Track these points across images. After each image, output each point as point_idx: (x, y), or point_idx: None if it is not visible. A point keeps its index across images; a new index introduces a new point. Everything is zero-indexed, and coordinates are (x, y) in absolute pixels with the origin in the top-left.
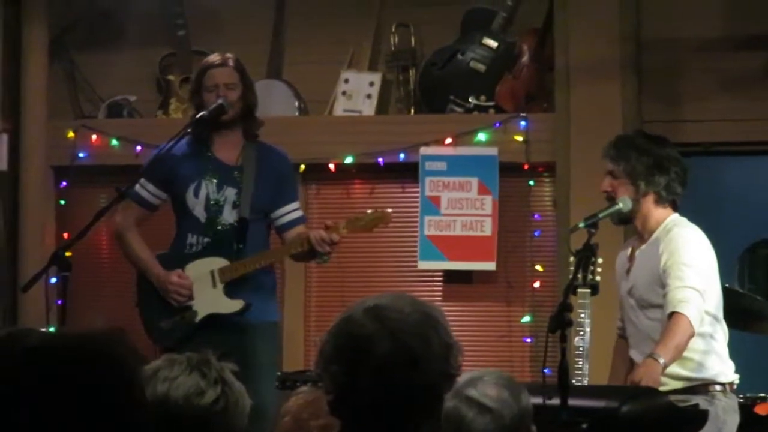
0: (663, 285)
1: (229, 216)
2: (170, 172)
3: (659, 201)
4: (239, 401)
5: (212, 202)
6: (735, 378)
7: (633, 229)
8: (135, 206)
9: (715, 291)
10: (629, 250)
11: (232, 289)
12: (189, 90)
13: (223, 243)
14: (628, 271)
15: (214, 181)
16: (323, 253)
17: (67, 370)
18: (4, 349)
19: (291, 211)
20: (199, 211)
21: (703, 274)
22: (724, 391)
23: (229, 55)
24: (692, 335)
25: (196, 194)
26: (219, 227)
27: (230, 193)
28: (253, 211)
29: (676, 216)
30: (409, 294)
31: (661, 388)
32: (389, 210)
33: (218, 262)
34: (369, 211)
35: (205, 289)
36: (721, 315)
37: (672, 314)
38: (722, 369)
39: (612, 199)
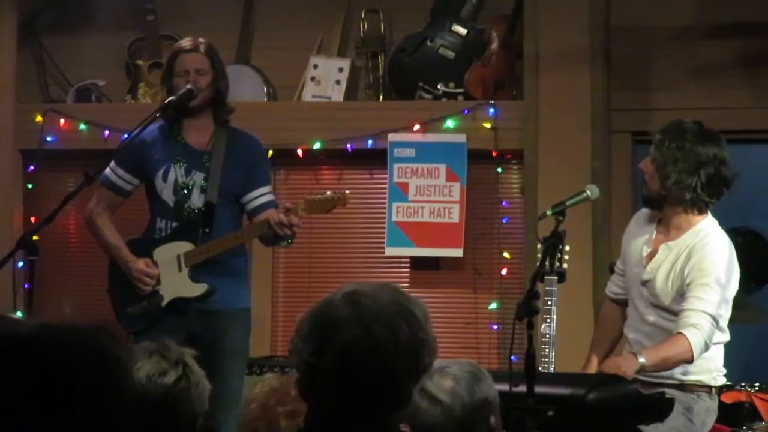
0: (684, 297)
1: (197, 200)
2: (141, 157)
3: (683, 203)
4: (200, 383)
5: (180, 186)
6: (722, 381)
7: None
8: (108, 192)
9: (729, 304)
10: (653, 231)
11: (201, 273)
12: (161, 74)
13: (191, 227)
14: (647, 258)
15: (183, 165)
16: (286, 237)
17: (56, 361)
18: None
19: (261, 195)
20: (167, 195)
21: (725, 298)
22: (709, 393)
23: (201, 40)
24: (688, 361)
25: (165, 178)
26: (186, 211)
27: (198, 177)
28: (221, 196)
29: (708, 222)
30: (396, 285)
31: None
32: (347, 191)
33: (184, 246)
34: (328, 192)
35: (172, 273)
36: (725, 324)
37: (679, 334)
38: (713, 374)
39: (644, 182)
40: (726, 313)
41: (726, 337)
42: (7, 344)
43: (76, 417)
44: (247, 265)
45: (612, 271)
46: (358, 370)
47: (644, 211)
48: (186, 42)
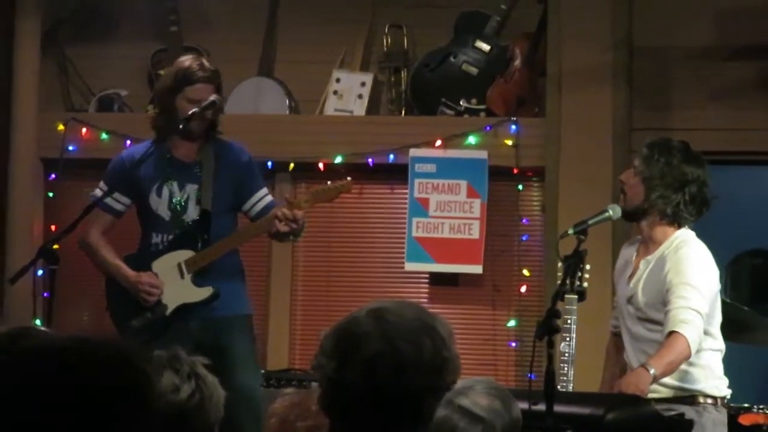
0: (666, 303)
1: (193, 212)
2: (132, 176)
3: (664, 217)
4: (213, 394)
5: (175, 201)
6: (727, 393)
7: (635, 229)
8: (101, 213)
9: (714, 310)
10: (633, 253)
11: (201, 280)
12: (160, 88)
13: (189, 236)
14: (630, 277)
15: (175, 182)
16: (293, 232)
17: (97, 376)
18: (21, 348)
19: (261, 198)
20: (163, 211)
21: (706, 296)
22: (714, 404)
23: (209, 66)
24: (688, 357)
25: (159, 194)
26: (184, 224)
27: (192, 189)
28: (215, 205)
29: (683, 231)
30: (420, 304)
31: (651, 395)
32: (349, 179)
33: (184, 254)
34: (329, 182)
35: (174, 282)
36: (716, 330)
37: (671, 333)
38: (714, 383)
39: (624, 193)
40: (716, 315)
41: (719, 344)
42: (48, 356)
43: (92, 424)
44: (243, 266)
45: None
46: (380, 385)
47: (628, 242)
48: (198, 70)
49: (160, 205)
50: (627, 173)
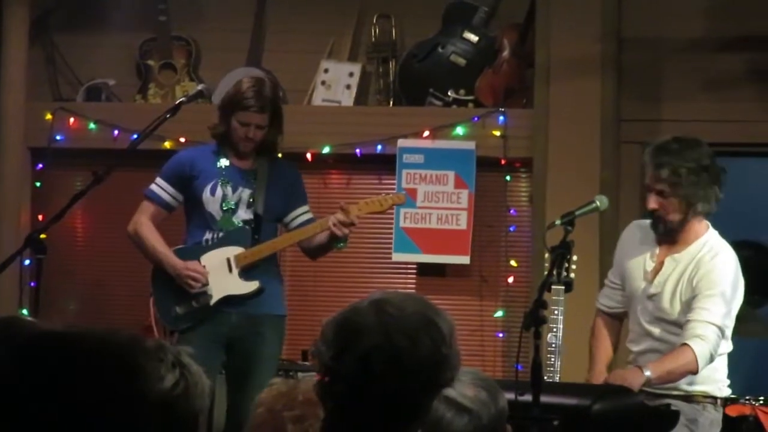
0: (690, 309)
1: (242, 214)
2: (189, 174)
3: (704, 216)
4: (198, 383)
5: (228, 201)
6: (728, 392)
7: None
8: (154, 206)
9: (734, 315)
10: (653, 243)
11: (248, 275)
12: (222, 102)
13: (241, 234)
14: (653, 272)
15: (230, 183)
16: (342, 239)
17: (79, 363)
18: (16, 336)
19: (303, 213)
20: (214, 209)
21: (731, 310)
22: (714, 404)
23: (267, 95)
24: (693, 372)
25: (213, 192)
26: (234, 226)
27: (245, 193)
28: (265, 212)
29: (712, 234)
30: (425, 298)
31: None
32: (404, 192)
33: (234, 250)
34: (383, 194)
35: (222, 274)
36: (729, 333)
37: (684, 345)
38: (717, 384)
39: (662, 219)
40: (731, 324)
41: (729, 347)
42: (31, 342)
43: (88, 421)
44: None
45: None
46: (375, 378)
47: (639, 224)
48: (252, 98)
49: (212, 203)
50: (655, 199)
